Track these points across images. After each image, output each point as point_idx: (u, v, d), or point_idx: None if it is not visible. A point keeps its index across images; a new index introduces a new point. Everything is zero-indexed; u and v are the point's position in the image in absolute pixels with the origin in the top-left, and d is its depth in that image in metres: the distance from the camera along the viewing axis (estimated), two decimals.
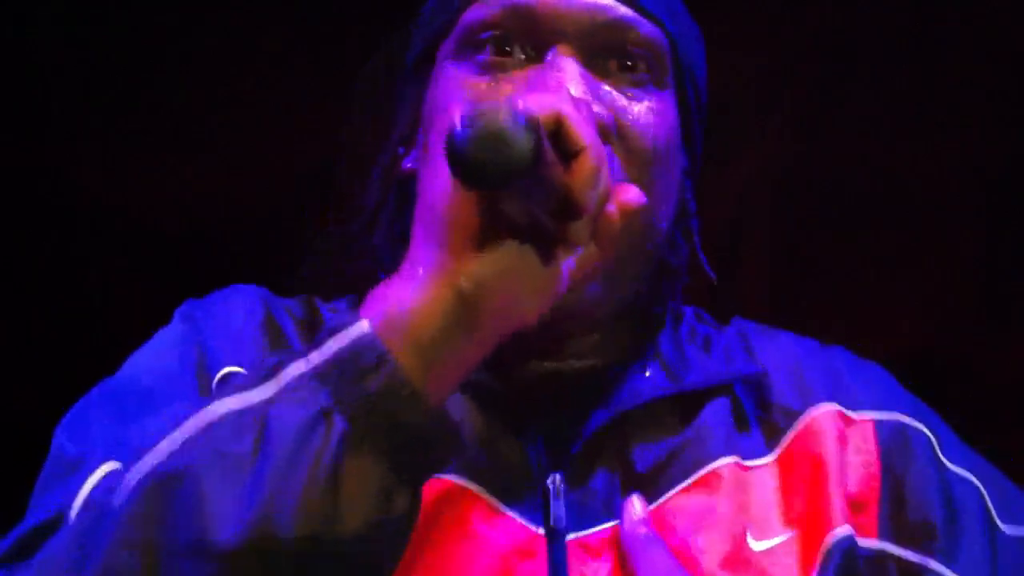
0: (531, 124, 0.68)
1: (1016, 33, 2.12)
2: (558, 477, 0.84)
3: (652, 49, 0.94)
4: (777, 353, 1.02)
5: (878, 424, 0.95)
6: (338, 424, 0.68)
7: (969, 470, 0.96)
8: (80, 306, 2.34)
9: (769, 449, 0.94)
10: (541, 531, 0.82)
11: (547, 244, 0.74)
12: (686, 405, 0.94)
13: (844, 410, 0.96)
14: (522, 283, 0.73)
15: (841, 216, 2.35)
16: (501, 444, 0.86)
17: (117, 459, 0.79)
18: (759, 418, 0.96)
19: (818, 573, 0.88)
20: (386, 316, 0.71)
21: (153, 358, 0.93)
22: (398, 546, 0.72)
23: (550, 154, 0.72)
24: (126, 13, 2.07)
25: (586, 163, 0.73)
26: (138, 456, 0.73)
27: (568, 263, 0.76)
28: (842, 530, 0.90)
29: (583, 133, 0.74)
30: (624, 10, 0.92)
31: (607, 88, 0.91)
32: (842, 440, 0.94)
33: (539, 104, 0.73)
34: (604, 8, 0.91)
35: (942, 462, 0.95)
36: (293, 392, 0.70)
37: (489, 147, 0.66)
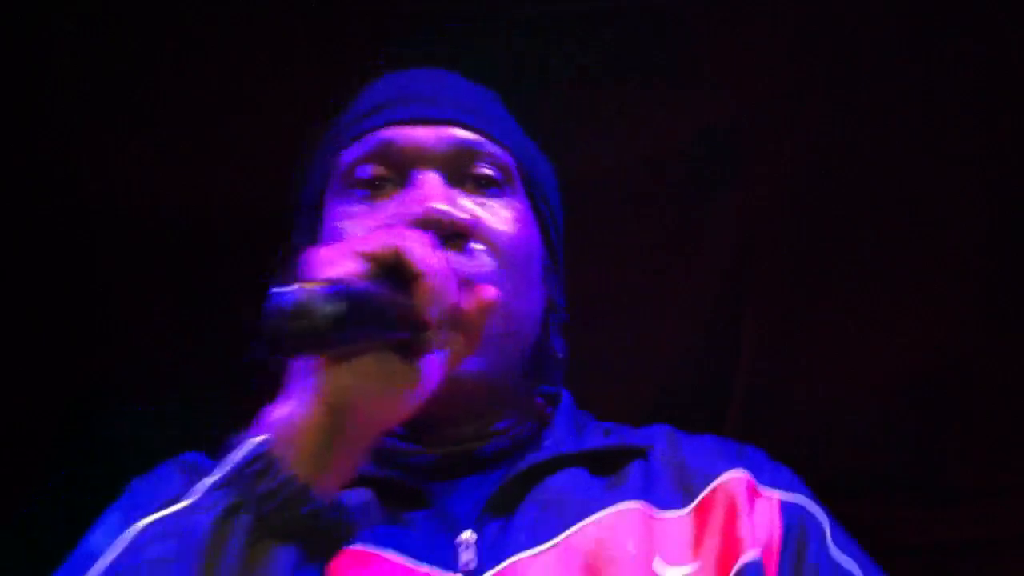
0: (338, 287, 0.79)
1: (1019, 50, 2.13)
2: (467, 533, 0.99)
3: (499, 165, 1.12)
4: (693, 437, 1.15)
5: (783, 503, 1.08)
6: (243, 519, 0.82)
7: (852, 559, 1.08)
8: (86, 307, 2.34)
9: (684, 504, 1.06)
10: (458, 575, 0.96)
11: (404, 353, 0.88)
12: (593, 462, 1.08)
13: (753, 479, 1.08)
14: (385, 387, 0.87)
15: (849, 236, 2.35)
16: (413, 516, 1.02)
17: None
18: (673, 479, 1.08)
19: None
20: (274, 430, 0.85)
21: (100, 530, 1.05)
22: None
23: (395, 274, 0.87)
24: (133, 14, 2.08)
25: (423, 285, 0.88)
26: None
27: (439, 359, 0.91)
28: (752, 554, 1.02)
29: (418, 261, 0.88)
30: (474, 136, 1.12)
31: (465, 196, 1.08)
32: (751, 501, 1.06)
33: (378, 243, 0.88)
34: (456, 135, 1.11)
35: (830, 547, 1.06)
36: (204, 500, 0.84)
37: (295, 317, 0.77)
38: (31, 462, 2.28)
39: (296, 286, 0.78)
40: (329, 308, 0.77)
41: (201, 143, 2.21)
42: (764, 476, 1.09)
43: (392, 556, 0.98)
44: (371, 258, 0.87)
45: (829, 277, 2.38)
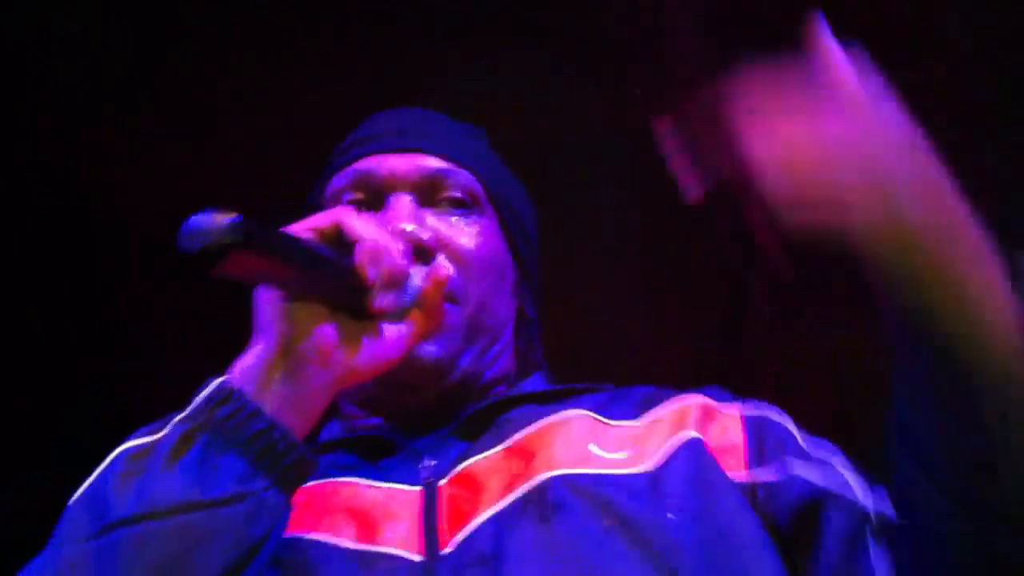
0: (232, 218, 0.87)
1: None
2: (429, 460, 1.11)
3: (466, 188, 1.25)
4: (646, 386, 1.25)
5: (745, 416, 1.15)
6: (202, 438, 0.94)
7: (826, 450, 1.13)
8: (88, 307, 2.34)
9: (636, 417, 1.15)
10: (417, 488, 1.08)
11: (356, 314, 1.01)
12: (545, 398, 1.20)
13: (712, 402, 1.17)
14: (338, 342, 1.00)
15: None
16: (398, 453, 1.14)
17: None
18: (628, 402, 1.19)
19: (658, 466, 1.07)
20: (238, 372, 0.98)
21: None
22: (261, 514, 0.95)
23: (338, 246, 1.00)
24: (134, 17, 2.08)
25: (362, 248, 1.00)
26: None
27: (400, 329, 1.05)
28: (689, 433, 1.10)
29: (354, 229, 1.01)
30: (442, 163, 1.24)
31: (432, 215, 1.22)
32: (707, 416, 1.15)
33: (324, 219, 1.02)
34: (426, 163, 1.24)
35: (801, 444, 1.13)
36: (172, 429, 0.96)
37: (192, 238, 0.86)
38: (35, 463, 2.29)
39: (200, 213, 0.88)
40: (224, 229, 0.86)
41: (199, 144, 2.22)
42: (724, 399, 1.18)
43: (359, 481, 1.10)
44: (317, 231, 1.01)
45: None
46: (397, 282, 1.04)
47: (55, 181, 2.22)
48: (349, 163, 1.26)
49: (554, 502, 1.03)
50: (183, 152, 2.21)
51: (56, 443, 2.24)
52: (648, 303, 2.39)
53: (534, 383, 1.27)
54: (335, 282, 1.00)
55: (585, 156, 2.26)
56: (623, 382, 1.25)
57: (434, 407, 1.18)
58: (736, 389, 1.21)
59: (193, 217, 0.87)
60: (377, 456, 1.14)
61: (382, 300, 1.02)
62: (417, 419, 1.17)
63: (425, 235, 1.17)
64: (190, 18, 2.09)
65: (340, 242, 1.01)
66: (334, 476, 1.10)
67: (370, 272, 1.00)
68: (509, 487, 1.06)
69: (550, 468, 1.06)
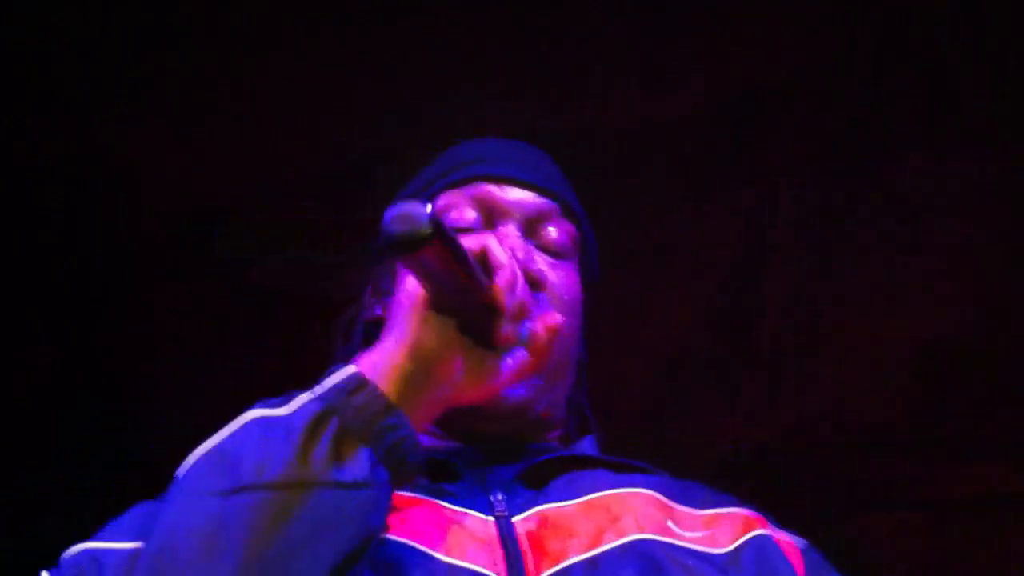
0: (432, 213, 0.95)
1: None
2: (499, 494, 1.13)
3: (569, 236, 1.29)
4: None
5: (800, 548, 1.18)
6: (335, 422, 0.98)
7: None
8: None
9: (698, 508, 1.17)
10: (490, 518, 1.10)
11: (483, 341, 1.06)
12: (618, 468, 1.21)
13: (768, 523, 1.19)
14: (461, 361, 1.05)
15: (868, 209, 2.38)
16: (453, 484, 1.15)
17: None
18: (687, 493, 1.20)
19: (735, 549, 1.11)
20: (367, 365, 1.02)
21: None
22: (381, 506, 0.99)
23: (481, 269, 1.04)
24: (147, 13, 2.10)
25: (503, 275, 1.06)
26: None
27: (508, 362, 1.08)
28: (764, 531, 1.14)
29: (500, 257, 1.07)
30: (554, 205, 1.28)
31: (538, 254, 1.25)
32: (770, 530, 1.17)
33: (472, 241, 1.07)
34: (541, 201, 1.27)
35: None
36: (303, 407, 0.99)
37: (399, 223, 0.93)
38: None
39: (403, 204, 0.95)
40: (426, 219, 0.94)
41: (200, 143, 2.23)
42: (774, 524, 1.20)
43: (434, 500, 1.11)
44: (468, 250, 1.05)
45: (850, 246, 2.41)
46: (522, 316, 1.08)
47: (54, 181, 2.24)
48: (468, 179, 1.28)
49: (653, 560, 1.05)
50: (184, 151, 2.23)
51: (55, 443, 2.26)
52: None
53: (592, 446, 1.31)
54: (474, 300, 1.04)
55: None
56: None
57: (503, 443, 1.21)
58: None
59: (399, 204, 0.94)
60: (442, 479, 1.15)
61: (507, 330, 1.06)
62: (485, 451, 1.20)
63: (537, 266, 1.22)
64: (189, 16, 2.10)
65: (483, 263, 1.06)
66: (407, 491, 1.10)
67: (507, 300, 1.05)
68: (599, 537, 1.07)
69: (641, 531, 1.08)
